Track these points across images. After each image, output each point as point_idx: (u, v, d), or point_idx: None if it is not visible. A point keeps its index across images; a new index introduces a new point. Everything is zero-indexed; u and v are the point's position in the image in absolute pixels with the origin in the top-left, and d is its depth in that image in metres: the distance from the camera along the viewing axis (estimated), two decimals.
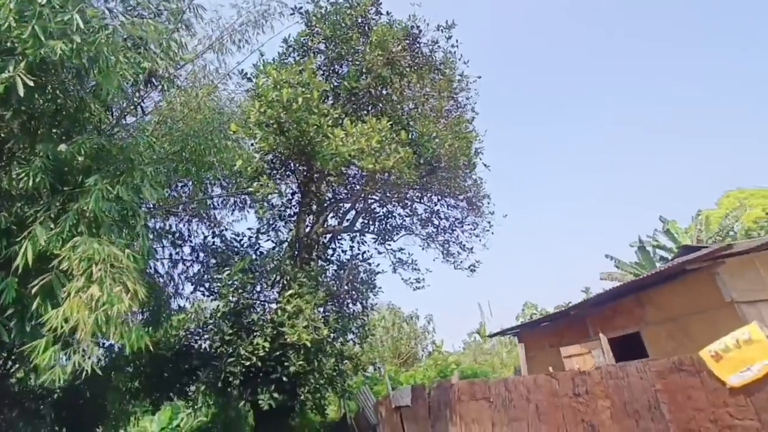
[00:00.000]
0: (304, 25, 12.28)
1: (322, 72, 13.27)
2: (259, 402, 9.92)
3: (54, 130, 7.25)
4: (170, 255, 15.39)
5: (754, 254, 7.85)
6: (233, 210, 15.49)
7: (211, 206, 15.23)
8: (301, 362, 10.09)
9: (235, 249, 12.30)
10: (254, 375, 10.27)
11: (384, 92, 13.33)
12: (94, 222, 6.83)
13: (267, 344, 9.87)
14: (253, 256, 11.71)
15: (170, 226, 15.20)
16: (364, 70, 12.19)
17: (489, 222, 15.68)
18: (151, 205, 12.98)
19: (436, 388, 10.33)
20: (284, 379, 10.21)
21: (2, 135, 7.21)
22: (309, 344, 9.46)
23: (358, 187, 14.46)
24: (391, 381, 18.95)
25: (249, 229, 13.46)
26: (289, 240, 13.27)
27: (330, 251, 15.51)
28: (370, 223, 17.11)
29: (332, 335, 10.89)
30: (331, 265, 14.03)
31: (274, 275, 11.74)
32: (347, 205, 16.63)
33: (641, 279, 8.25)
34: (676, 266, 7.86)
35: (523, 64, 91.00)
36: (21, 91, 5.41)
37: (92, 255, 6.04)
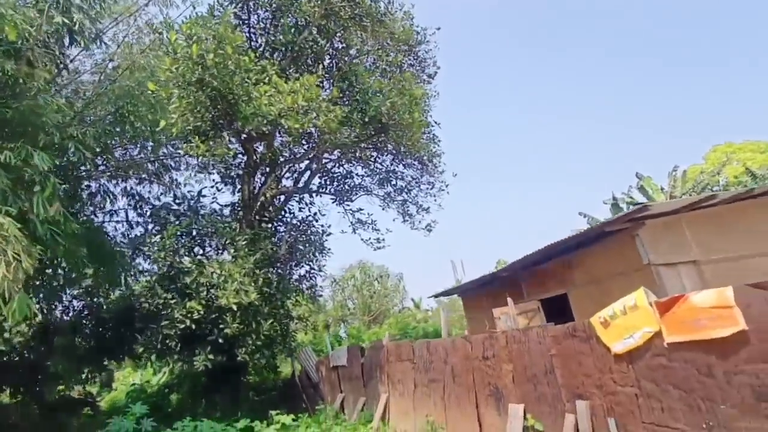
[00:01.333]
0: None
1: (262, 26, 12.53)
2: (194, 363, 10.01)
3: None
4: (126, 217, 15.11)
5: (683, 214, 7.68)
6: (194, 172, 15.03)
7: (168, 168, 14.74)
8: (236, 324, 10.11)
9: (177, 212, 12.04)
10: (191, 337, 10.30)
11: (327, 47, 12.67)
12: None
13: (200, 307, 9.84)
14: (192, 220, 11.45)
15: (129, 188, 14.85)
16: (301, 23, 11.50)
17: (443, 182, 15.47)
18: (96, 167, 12.60)
19: (369, 349, 10.43)
20: (220, 341, 10.27)
21: None
22: (235, 308, 9.43)
23: (307, 147, 14.04)
24: (352, 339, 19.34)
25: (191, 191, 13.12)
26: (234, 203, 13.03)
27: (284, 213, 15.33)
28: (328, 183, 16.84)
29: (269, 298, 10.85)
30: (282, 227, 13.84)
31: (215, 239, 11.57)
32: (302, 165, 16.29)
33: (565, 240, 8.08)
34: (597, 227, 7.69)
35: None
36: None
37: None
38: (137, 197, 14.72)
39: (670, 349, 4.76)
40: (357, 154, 15.76)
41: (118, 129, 11.11)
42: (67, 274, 11.25)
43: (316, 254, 13.36)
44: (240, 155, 12.80)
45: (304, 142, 14.56)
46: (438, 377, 8.10)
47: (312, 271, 13.46)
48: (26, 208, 6.75)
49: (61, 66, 10.62)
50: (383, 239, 16.34)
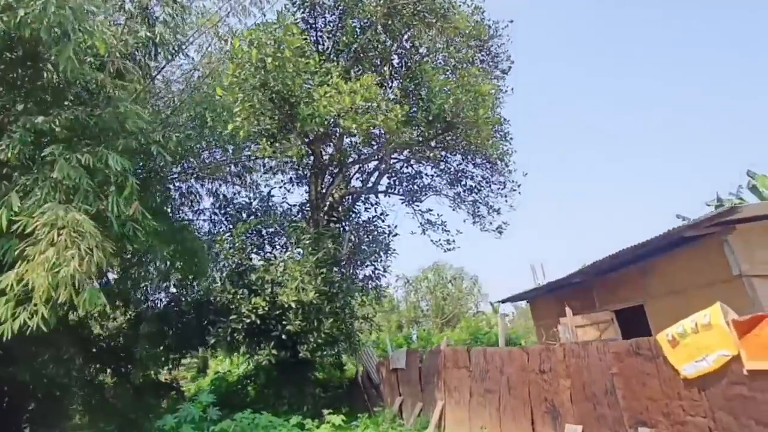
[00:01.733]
0: None
1: (329, 29, 12.78)
2: (258, 356, 10.49)
3: (31, 103, 7.78)
4: (210, 216, 16.32)
5: None
6: (264, 173, 15.77)
7: (250, 169, 15.55)
8: (297, 322, 10.40)
9: (249, 211, 12.73)
10: (256, 332, 10.80)
11: (394, 46, 12.59)
12: (72, 190, 7.34)
13: (264, 304, 10.27)
14: (262, 219, 12.00)
15: (214, 189, 16.02)
16: (366, 24, 11.56)
17: (514, 181, 14.69)
18: (184, 169, 13.73)
19: (428, 354, 10.16)
20: (283, 337, 10.63)
21: None
22: (294, 305, 9.70)
23: (375, 147, 14.09)
24: (422, 341, 19.08)
25: (261, 192, 13.78)
26: (302, 203, 13.46)
27: (352, 213, 15.53)
28: (397, 183, 16.78)
29: (332, 297, 11.01)
30: (351, 227, 14.00)
31: (283, 237, 12.05)
32: (371, 166, 16.40)
33: (641, 245, 7.18)
34: (677, 230, 6.71)
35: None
36: None
37: (54, 221, 6.51)
38: (221, 197, 15.83)
39: (751, 377, 4.02)
40: (426, 154, 15.56)
41: (198, 134, 11.97)
42: (158, 268, 12.33)
43: (381, 255, 13.36)
44: (308, 156, 13.20)
45: (373, 143, 14.68)
46: (494, 387, 7.65)
47: (377, 271, 13.49)
48: (103, 206, 7.43)
49: (148, 76, 11.72)
50: (453, 240, 15.95)
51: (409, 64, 13.49)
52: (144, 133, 9.69)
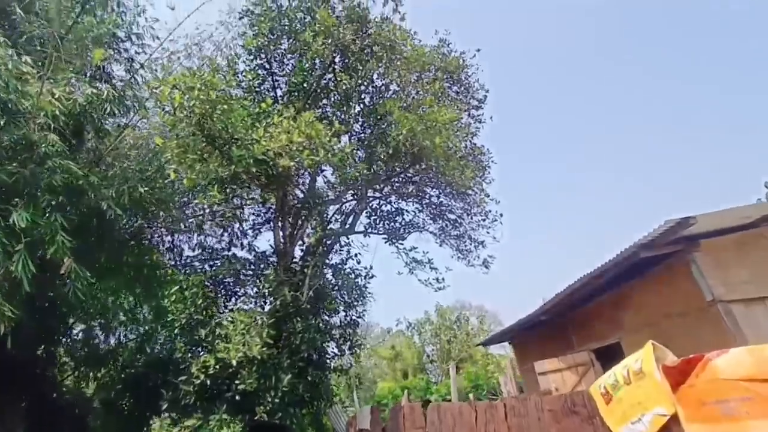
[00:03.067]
0: (249, 27, 11.64)
1: (285, 73, 12.55)
2: (210, 423, 9.51)
3: None
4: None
5: (754, 231, 5.45)
6: (231, 221, 15.25)
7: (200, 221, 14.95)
8: (251, 380, 9.49)
9: (206, 261, 12.13)
10: (208, 394, 9.88)
11: (352, 84, 12.25)
12: None
13: (214, 361, 9.42)
14: (214, 270, 11.35)
15: (201, 240, 15.48)
16: (318, 65, 11.31)
17: (495, 212, 13.83)
18: (140, 224, 13.35)
19: (391, 412, 9.03)
20: (237, 398, 9.68)
21: None
22: (243, 362, 8.85)
23: (343, 187, 13.50)
24: (419, 393, 17.63)
25: (221, 240, 13.21)
26: (267, 250, 12.78)
27: (331, 257, 14.75)
28: (377, 222, 16.06)
29: (293, 350, 10.09)
30: (311, 271, 13.13)
31: (241, 287, 11.34)
32: (350, 206, 15.77)
33: (599, 271, 6.14)
34: (629, 251, 5.66)
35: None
36: None
37: None
38: (203, 248, 15.26)
39: None
40: (401, 190, 14.96)
41: (150, 187, 11.61)
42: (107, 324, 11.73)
43: (354, 300, 12.43)
44: (265, 201, 12.64)
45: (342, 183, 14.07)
46: None
47: (348, 317, 12.50)
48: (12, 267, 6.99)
49: (102, 134, 11.55)
50: (443, 279, 14.93)
51: (371, 101, 13.16)
52: (94, 188, 9.41)
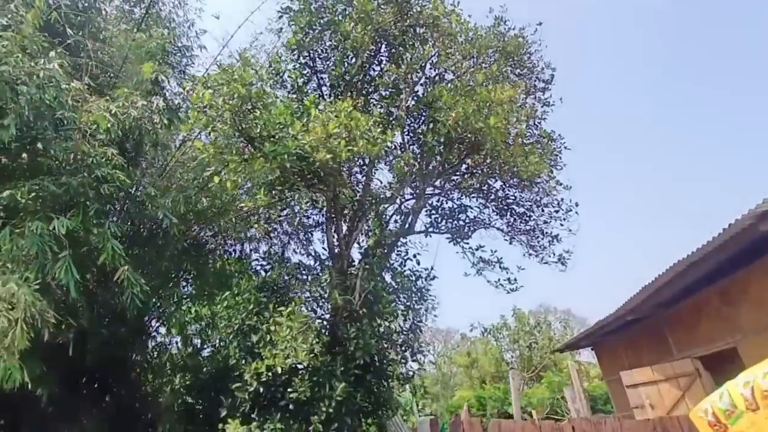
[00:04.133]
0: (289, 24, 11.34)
1: (311, 68, 12.09)
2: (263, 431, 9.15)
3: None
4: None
5: None
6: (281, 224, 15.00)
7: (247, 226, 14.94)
8: (303, 388, 9.02)
9: (262, 267, 11.95)
10: (263, 402, 9.56)
11: (391, 72, 11.49)
12: (20, 259, 7.13)
13: (263, 368, 9.09)
14: (265, 276, 11.12)
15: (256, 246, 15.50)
16: (355, 52, 10.71)
17: (570, 200, 12.32)
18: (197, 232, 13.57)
19: (451, 426, 8.01)
20: (291, 407, 9.25)
21: None
22: (280, 369, 8.45)
23: (396, 185, 12.72)
24: (495, 403, 16.20)
25: (276, 245, 12.97)
26: (322, 254, 12.35)
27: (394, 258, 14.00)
28: (439, 220, 15.07)
29: (347, 357, 9.50)
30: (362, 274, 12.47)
31: (293, 293, 10.98)
32: (409, 205, 14.96)
33: (695, 257, 4.75)
34: (743, 224, 4.24)
35: None
36: None
37: None
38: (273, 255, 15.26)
39: None
40: (462, 185, 13.92)
41: (204, 197, 11.67)
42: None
43: (413, 304, 11.60)
44: (315, 201, 12.20)
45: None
46: None
47: (413, 322, 11.66)
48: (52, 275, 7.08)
49: (158, 147, 11.86)
50: (515, 279, 13.62)
51: (425, 92, 12.31)
52: (150, 198, 9.57)
